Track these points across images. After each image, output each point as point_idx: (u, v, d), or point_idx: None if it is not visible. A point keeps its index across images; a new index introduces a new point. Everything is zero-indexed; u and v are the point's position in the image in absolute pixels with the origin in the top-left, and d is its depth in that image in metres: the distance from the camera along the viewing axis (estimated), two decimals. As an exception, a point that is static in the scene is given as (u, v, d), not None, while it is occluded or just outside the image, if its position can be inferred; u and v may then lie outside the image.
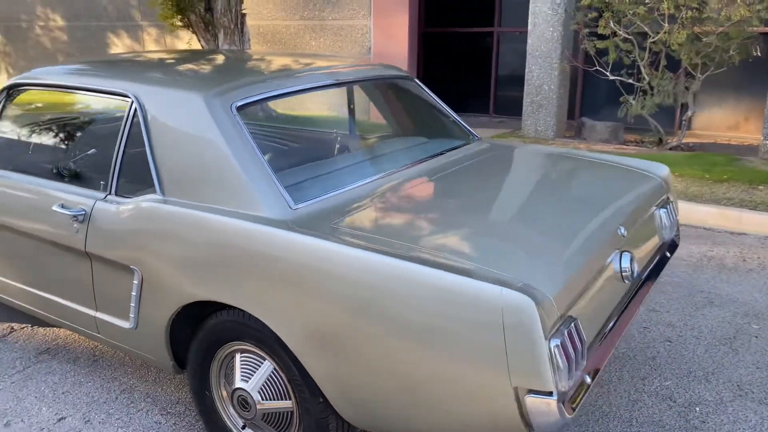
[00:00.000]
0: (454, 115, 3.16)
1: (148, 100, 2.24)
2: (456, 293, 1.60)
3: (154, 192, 2.19)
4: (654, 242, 2.58)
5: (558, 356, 1.58)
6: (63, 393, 2.73)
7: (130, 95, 2.29)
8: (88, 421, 2.54)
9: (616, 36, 6.70)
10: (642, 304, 2.35)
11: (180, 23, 7.97)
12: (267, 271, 1.89)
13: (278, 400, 2.05)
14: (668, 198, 2.75)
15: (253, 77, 2.41)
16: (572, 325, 1.67)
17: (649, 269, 2.44)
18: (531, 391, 1.56)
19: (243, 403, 2.12)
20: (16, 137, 2.80)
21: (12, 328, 3.31)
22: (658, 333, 3.24)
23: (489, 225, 1.99)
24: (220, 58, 2.77)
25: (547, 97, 7.46)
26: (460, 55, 9.59)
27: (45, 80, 2.60)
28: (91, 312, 2.45)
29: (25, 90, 2.71)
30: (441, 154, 2.75)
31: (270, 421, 2.11)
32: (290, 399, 2.03)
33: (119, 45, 11.77)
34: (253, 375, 2.09)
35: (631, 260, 2.17)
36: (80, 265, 2.40)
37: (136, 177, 2.31)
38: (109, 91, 2.37)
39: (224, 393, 2.22)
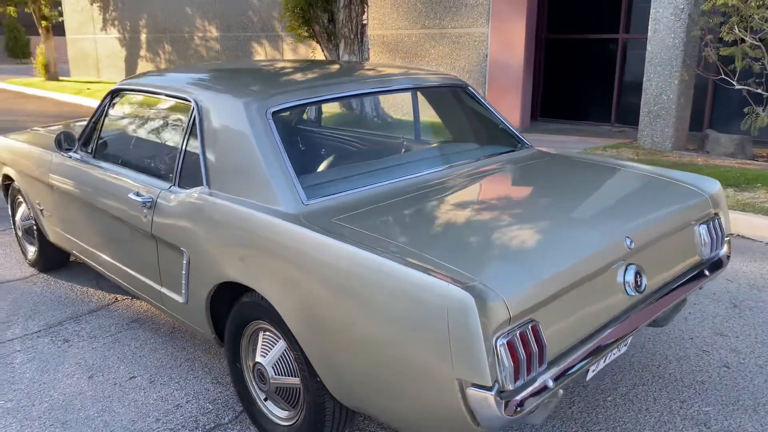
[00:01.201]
0: (506, 122, 3.21)
1: (204, 105, 2.58)
2: (416, 288, 1.73)
3: (202, 185, 2.52)
4: (689, 259, 2.49)
5: (503, 354, 1.65)
6: (140, 356, 3.16)
7: (191, 100, 2.64)
8: (153, 381, 2.93)
9: (744, 42, 6.22)
10: (656, 318, 2.29)
11: (306, 34, 8.55)
12: (273, 257, 2.13)
13: (288, 376, 2.28)
14: (715, 215, 2.63)
15: (292, 86, 2.66)
16: (529, 327, 1.72)
17: (676, 285, 2.37)
18: (473, 384, 1.65)
19: (261, 376, 2.37)
20: (113, 134, 3.29)
21: (116, 298, 3.85)
22: (717, 357, 3.06)
23: (478, 231, 2.07)
24: (282, 68, 3.06)
25: (666, 107, 7.07)
26: (582, 62, 9.34)
27: (135, 86, 3.05)
28: (158, 286, 2.83)
29: (124, 94, 3.19)
30: (476, 160, 2.84)
31: (282, 395, 2.34)
32: (297, 376, 2.25)
33: (262, 53, 12.76)
34: (269, 351, 2.34)
35: (638, 274, 2.14)
36: (149, 246, 2.79)
37: (195, 171, 2.65)
38: (177, 96, 2.74)
39: (250, 365, 2.49)
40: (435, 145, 3.21)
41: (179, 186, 2.66)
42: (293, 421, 2.34)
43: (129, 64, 17.25)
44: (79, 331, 3.44)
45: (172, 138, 2.81)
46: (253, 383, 2.49)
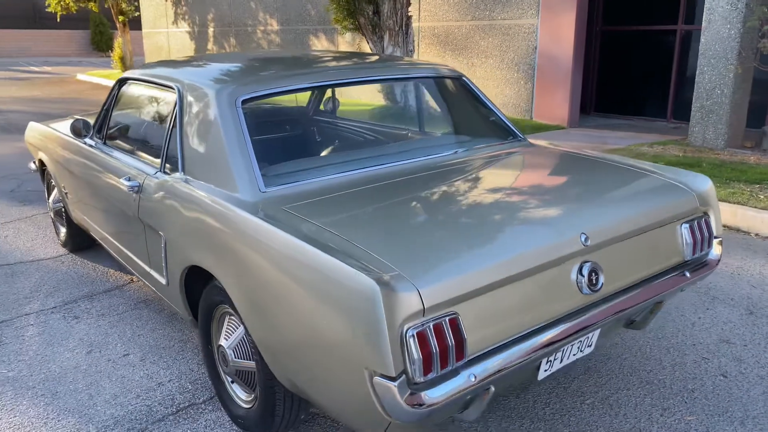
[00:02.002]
0: (500, 114, 3.13)
1: (184, 93, 2.65)
2: (334, 276, 1.73)
3: (179, 171, 2.60)
4: (670, 259, 2.36)
5: (413, 346, 1.62)
6: (138, 335, 3.30)
7: (175, 88, 2.72)
8: (143, 360, 3.05)
9: (804, 33, 5.79)
10: (617, 318, 2.20)
11: (351, 26, 8.58)
12: (226, 242, 2.17)
13: (245, 359, 2.32)
14: (704, 214, 2.48)
15: (266, 75, 2.69)
16: (446, 320, 1.69)
17: (648, 286, 2.25)
18: (379, 374, 1.63)
19: (224, 359, 2.43)
20: (119, 121, 3.43)
21: (131, 279, 4.02)
22: (716, 366, 2.89)
23: (420, 222, 2.04)
24: (270, 58, 3.09)
25: (719, 102, 6.68)
26: (638, 55, 8.95)
27: (137, 75, 3.17)
28: (147, 268, 2.95)
29: (129, 83, 3.32)
30: (451, 153, 2.78)
31: (242, 378, 2.39)
32: (252, 360, 2.29)
33: (318, 46, 12.92)
34: (231, 335, 2.39)
35: (593, 272, 2.06)
36: (139, 229, 2.90)
37: (177, 158, 2.73)
38: (166, 84, 2.83)
39: (216, 348, 2.55)
40: (409, 136, 3.17)
41: (163, 172, 2.75)
42: (252, 405, 2.39)
43: (197, 57, 17.83)
44: (90, 309, 3.62)
45: (162, 125, 2.91)
46: (220, 366, 2.56)
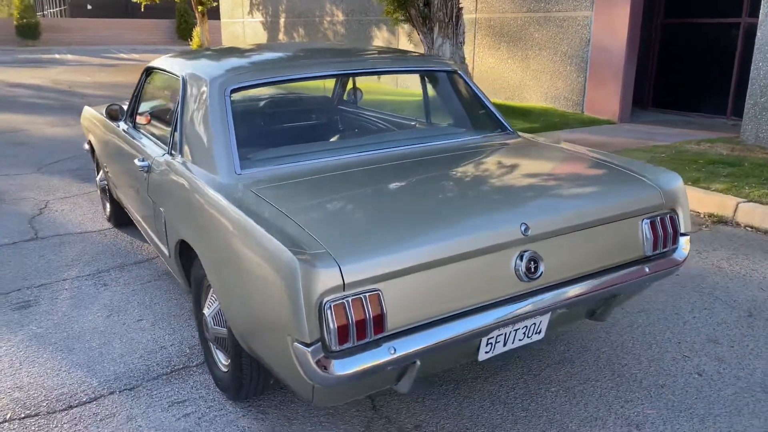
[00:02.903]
0: (491, 107, 3.20)
1: (187, 81, 2.90)
2: (270, 250, 1.91)
3: (178, 153, 2.85)
4: (628, 253, 2.40)
5: (330, 317, 1.78)
6: (155, 303, 3.60)
7: (180, 77, 2.97)
8: (154, 325, 3.35)
9: None
10: (563, 309, 2.27)
11: (402, 18, 8.71)
12: (201, 219, 2.40)
13: (220, 326, 2.55)
14: (671, 211, 2.50)
15: (257, 67, 2.89)
16: (366, 295, 1.83)
17: (601, 278, 2.31)
18: (297, 340, 1.80)
19: (206, 325, 2.67)
20: (144, 107, 3.73)
21: (161, 254, 4.36)
22: (694, 364, 2.89)
23: (366, 206, 2.19)
24: (268, 50, 3.30)
25: (774, 99, 6.38)
26: (700, 49, 8.62)
27: (158, 65, 3.45)
28: (157, 240, 3.24)
29: (152, 71, 3.62)
30: (427, 144, 2.89)
31: (219, 344, 2.62)
32: (224, 327, 2.51)
33: (379, 37, 13.11)
34: (212, 305, 2.62)
35: (532, 261, 2.14)
36: (150, 205, 3.19)
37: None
38: (175, 74, 3.09)
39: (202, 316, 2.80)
40: (393, 127, 3.29)
41: (170, 154, 3.02)
42: (227, 369, 2.61)
43: (269, 46, 18.43)
44: (119, 278, 3.97)
45: (172, 112, 3.18)
46: (206, 332, 2.80)
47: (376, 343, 1.88)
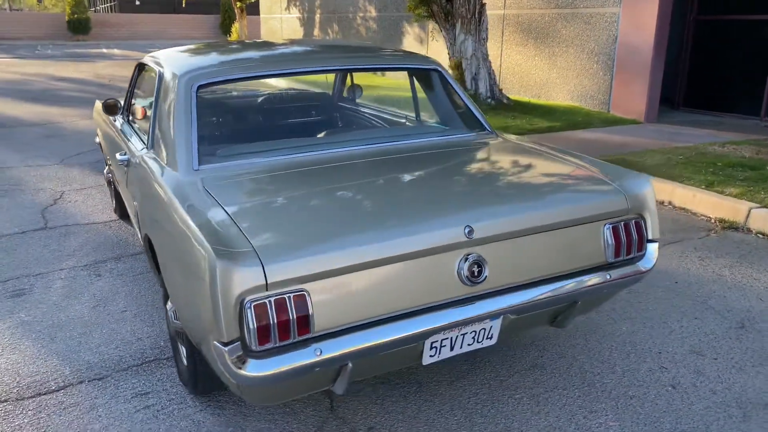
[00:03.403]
0: (471, 107, 3.13)
1: (162, 77, 2.93)
2: (201, 248, 1.91)
3: (151, 148, 2.88)
4: (588, 259, 2.32)
5: (250, 317, 1.77)
6: (142, 295, 3.65)
7: (157, 72, 3.00)
8: (136, 316, 3.39)
9: None
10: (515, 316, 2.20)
11: (425, 14, 8.64)
12: (156, 211, 2.42)
13: (178, 320, 2.57)
14: (639, 216, 2.40)
15: (226, 64, 2.89)
16: (291, 296, 1.81)
17: (557, 284, 2.24)
18: (218, 339, 1.80)
19: (169, 319, 2.70)
20: (135, 101, 3.79)
21: (159, 246, 4.43)
22: (670, 376, 2.78)
23: (306, 206, 2.16)
24: (243, 48, 3.29)
25: (803, 100, 6.08)
26: (734, 47, 8.28)
27: (145, 60, 3.50)
28: (138, 231, 3.29)
29: (143, 66, 3.67)
30: (390, 143, 2.85)
31: (179, 337, 2.64)
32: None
33: (410, 33, 13.04)
34: (174, 299, 2.65)
35: (476, 264, 2.08)
36: (130, 198, 3.24)
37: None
38: (155, 69, 3.12)
39: (167, 310, 2.83)
40: (362, 124, 3.25)
41: (148, 148, 3.06)
42: (187, 363, 2.63)
43: (304, 42, 18.57)
44: (113, 269, 4.05)
45: (152, 106, 3.22)
46: (168, 326, 2.83)
47: (303, 344, 1.86)
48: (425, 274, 2.04)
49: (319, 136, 2.91)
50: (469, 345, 2.24)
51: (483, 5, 8.27)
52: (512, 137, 3.13)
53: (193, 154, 2.51)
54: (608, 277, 2.33)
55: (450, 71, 8.82)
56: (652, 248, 2.45)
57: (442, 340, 2.16)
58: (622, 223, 2.35)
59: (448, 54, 8.87)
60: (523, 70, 9.89)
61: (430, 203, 2.20)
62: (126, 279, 3.88)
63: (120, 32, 34.89)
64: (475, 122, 3.10)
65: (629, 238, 2.36)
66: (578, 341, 3.08)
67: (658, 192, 5.16)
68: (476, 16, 8.17)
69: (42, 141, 8.09)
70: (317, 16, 17.53)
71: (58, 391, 2.75)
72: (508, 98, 8.78)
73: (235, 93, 3.63)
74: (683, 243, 4.29)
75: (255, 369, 1.79)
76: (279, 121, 3.62)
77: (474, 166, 2.66)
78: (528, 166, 2.64)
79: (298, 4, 18.63)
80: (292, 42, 3.58)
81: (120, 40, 33.72)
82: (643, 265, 2.41)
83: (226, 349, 1.78)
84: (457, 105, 3.16)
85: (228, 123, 3.48)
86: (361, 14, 15.08)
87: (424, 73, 3.24)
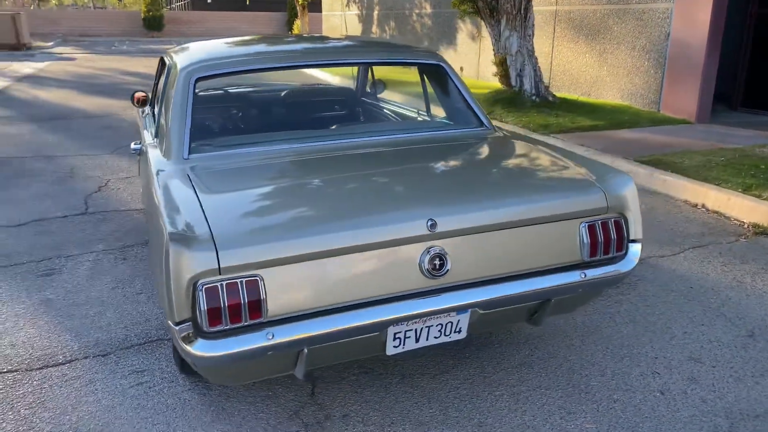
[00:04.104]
0: (471, 102, 3.11)
1: (171, 70, 3.06)
2: (163, 232, 2.00)
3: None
4: (563, 257, 2.29)
5: (201, 299, 1.85)
6: (160, 279, 3.83)
7: (167, 65, 3.14)
8: (150, 299, 3.56)
9: None
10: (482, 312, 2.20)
11: (471, 10, 8.56)
12: (147, 198, 2.55)
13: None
14: (620, 215, 2.34)
15: (226, 58, 2.98)
16: (243, 281, 1.88)
17: (527, 281, 2.22)
18: (171, 320, 1.88)
19: (164, 301, 2.83)
20: (157, 92, 3.96)
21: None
22: (662, 382, 2.70)
23: (275, 195, 2.24)
24: (248, 41, 3.38)
25: None
26: (798, 44, 7.82)
27: (166, 54, 3.66)
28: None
29: (163, 60, 3.83)
30: (379, 137, 2.88)
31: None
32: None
33: (464, 29, 12.94)
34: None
35: (438, 258, 2.09)
36: (142, 186, 3.40)
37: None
38: (167, 63, 3.26)
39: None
40: (355, 118, 3.28)
41: (153, 138, 3.20)
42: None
43: (363, 39, 18.73)
44: (139, 254, 4.25)
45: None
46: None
47: (256, 328, 1.93)
48: (386, 265, 2.07)
49: (309, 128, 2.98)
50: (436, 338, 2.25)
51: (530, 1, 8.13)
52: (511, 133, 3.10)
53: (184, 143, 2.62)
54: (583, 276, 2.29)
55: (495, 68, 8.72)
56: (635, 249, 2.39)
57: (405, 332, 2.18)
58: (600, 221, 2.31)
59: (493, 50, 8.78)
60: (573, 67, 9.67)
61: (397, 196, 2.23)
62: (147, 264, 4.06)
63: (191, 29, 36.10)
64: (473, 118, 3.08)
65: (607, 237, 2.31)
66: (574, 341, 3.03)
67: (692, 194, 4.96)
68: (522, 12, 8.04)
69: (100, 131, 8.52)
70: (375, 13, 17.64)
71: (64, 364, 2.93)
72: (554, 96, 8.60)
73: (242, 86, 3.74)
74: (708, 247, 4.12)
75: (205, 349, 1.87)
76: (277, 114, 3.71)
77: (454, 162, 2.66)
78: (511, 163, 2.62)
79: (357, 1, 18.80)
80: (303, 38, 3.66)
81: (191, 36, 34.88)
82: (623, 266, 2.35)
83: (176, 328, 1.87)
84: (457, 100, 3.15)
85: (227, 114, 3.59)
86: (417, 11, 15.08)
87: (426, 68, 3.25)
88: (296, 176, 2.45)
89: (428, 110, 3.33)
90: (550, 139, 6.79)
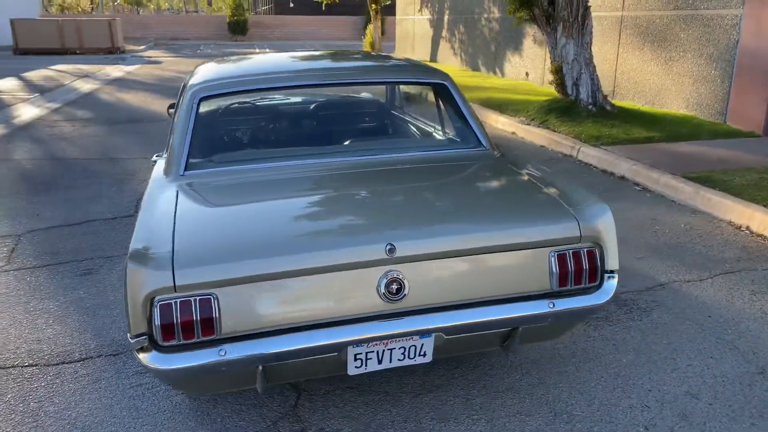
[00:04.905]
0: (472, 122, 3.08)
1: (184, 88, 3.22)
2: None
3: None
4: (528, 285, 2.26)
5: (156, 314, 1.96)
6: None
7: (184, 82, 3.31)
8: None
9: None
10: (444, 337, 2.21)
11: (527, 17, 8.42)
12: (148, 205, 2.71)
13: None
14: (593, 245, 2.29)
15: (232, 78, 3.09)
16: (197, 299, 1.98)
17: (490, 308, 2.22)
18: (129, 333, 2.01)
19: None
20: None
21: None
22: (649, 417, 2.60)
23: (246, 215, 2.32)
24: (263, 61, 3.50)
25: None
26: None
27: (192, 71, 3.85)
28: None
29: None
30: (368, 157, 2.92)
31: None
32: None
33: (530, 35, 12.71)
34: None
35: (395, 282, 2.12)
36: (163, 196, 3.60)
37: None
38: (185, 80, 3.44)
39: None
40: (339, 139, 3.31)
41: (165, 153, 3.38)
42: None
43: (433, 43, 18.74)
44: (171, 257, 4.48)
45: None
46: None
47: (210, 344, 2.03)
48: (345, 287, 2.12)
49: (305, 147, 3.06)
50: (399, 360, 2.28)
51: (587, 8, 7.90)
52: (506, 156, 3.06)
53: (181, 160, 2.77)
54: (552, 306, 2.25)
55: (551, 75, 8.53)
56: (611, 281, 2.32)
57: (367, 353, 2.22)
58: (571, 251, 2.26)
59: (550, 58, 8.59)
60: (638, 75, 9.32)
61: (361, 218, 2.27)
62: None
63: (274, 33, 37.27)
64: (472, 138, 3.07)
65: (578, 267, 2.26)
66: (569, 368, 2.96)
67: (737, 215, 4.70)
68: (579, 19, 7.82)
69: (165, 135, 8.99)
70: (446, 18, 17.61)
71: (78, 361, 3.15)
72: (612, 105, 8.32)
73: (251, 104, 3.88)
74: (740, 274, 3.90)
75: (158, 362, 1.98)
76: (281, 130, 3.80)
77: (429, 184, 2.67)
78: (487, 188, 2.60)
79: (429, 5, 18.83)
80: (316, 56, 3.75)
81: (273, 40, 36.01)
82: (597, 298, 2.29)
83: (132, 341, 2.00)
84: (458, 120, 3.15)
85: (229, 132, 3.73)
86: (486, 15, 14.94)
87: (430, 87, 3.26)
88: (274, 195, 2.54)
89: (424, 129, 3.34)
90: (598, 152, 6.59)
